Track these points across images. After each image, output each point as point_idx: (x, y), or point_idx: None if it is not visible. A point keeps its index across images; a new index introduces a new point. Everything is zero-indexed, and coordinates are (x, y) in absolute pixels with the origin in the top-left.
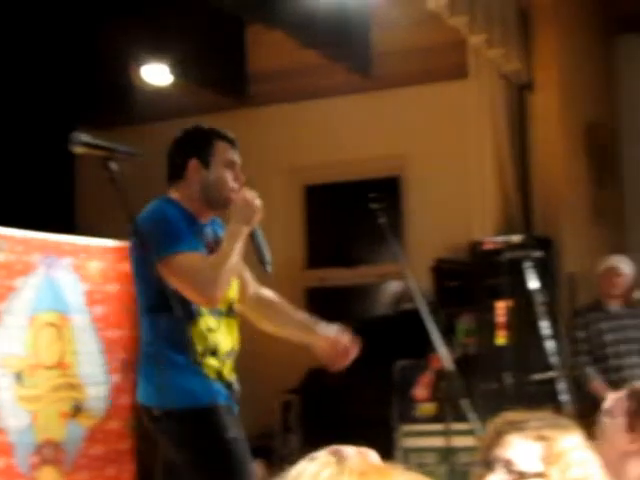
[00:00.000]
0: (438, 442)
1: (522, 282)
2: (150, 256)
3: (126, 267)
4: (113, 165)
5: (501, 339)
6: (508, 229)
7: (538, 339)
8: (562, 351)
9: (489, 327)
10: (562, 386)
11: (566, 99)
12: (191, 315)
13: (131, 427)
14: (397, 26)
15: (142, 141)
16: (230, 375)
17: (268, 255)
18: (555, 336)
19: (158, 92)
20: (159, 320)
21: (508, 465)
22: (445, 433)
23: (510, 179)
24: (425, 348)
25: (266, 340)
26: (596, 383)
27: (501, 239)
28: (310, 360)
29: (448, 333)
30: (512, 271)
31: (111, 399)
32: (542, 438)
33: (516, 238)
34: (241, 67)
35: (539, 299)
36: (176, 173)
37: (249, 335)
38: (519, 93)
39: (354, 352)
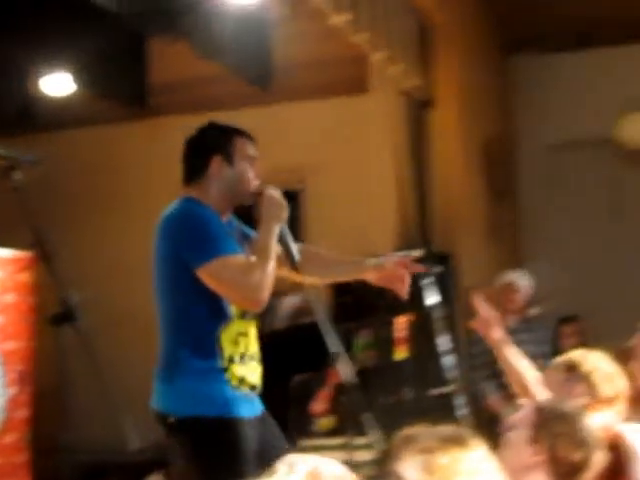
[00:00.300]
0: (338, 456)
1: (421, 297)
2: (183, 261)
3: (25, 277)
4: (16, 174)
5: (400, 354)
6: (407, 244)
7: (437, 354)
8: (460, 366)
9: (388, 342)
10: (459, 400)
11: (464, 116)
12: (225, 319)
13: (27, 440)
14: (299, 40)
15: (45, 149)
16: (254, 376)
17: (297, 253)
18: (453, 351)
19: (61, 101)
20: (185, 325)
21: (398, 479)
22: (345, 447)
23: (409, 194)
24: (323, 362)
25: None
26: (492, 398)
27: (399, 254)
28: None
29: (346, 348)
30: (411, 286)
31: (8, 412)
32: (427, 451)
33: (415, 253)
34: (142, 78)
35: (438, 314)
36: (196, 172)
37: (151, 345)
38: (419, 109)
39: (414, 270)
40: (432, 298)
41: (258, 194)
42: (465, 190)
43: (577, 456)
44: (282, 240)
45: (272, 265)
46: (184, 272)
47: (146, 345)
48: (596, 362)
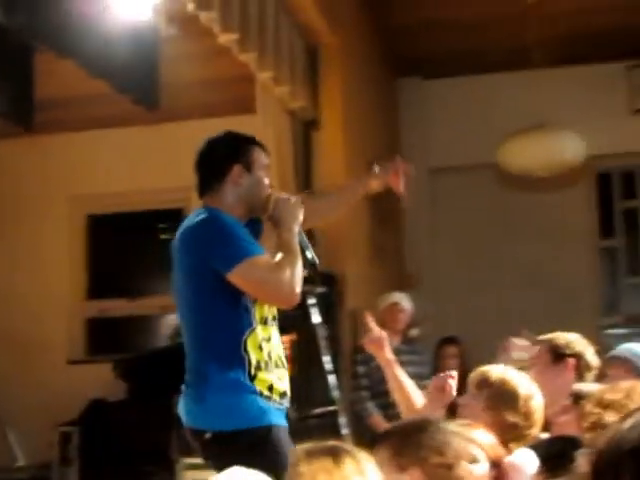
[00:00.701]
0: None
1: (306, 317)
2: (210, 270)
3: None
4: None
5: None
6: None
7: (320, 373)
8: (343, 386)
9: None
10: (342, 420)
11: (350, 137)
12: (249, 326)
13: None
14: (187, 59)
15: None
16: (282, 383)
17: (314, 256)
18: (336, 371)
19: None
20: (212, 338)
21: None
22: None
23: None
24: None
25: (48, 371)
26: (375, 418)
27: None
28: (91, 391)
29: None
30: (296, 306)
31: None
32: (323, 469)
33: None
34: (28, 94)
35: (322, 334)
36: (214, 181)
37: (29, 365)
38: (305, 130)
39: (404, 169)
40: (316, 318)
41: (272, 199)
42: (350, 211)
43: (446, 462)
44: (301, 244)
45: (300, 262)
46: (209, 280)
47: (24, 366)
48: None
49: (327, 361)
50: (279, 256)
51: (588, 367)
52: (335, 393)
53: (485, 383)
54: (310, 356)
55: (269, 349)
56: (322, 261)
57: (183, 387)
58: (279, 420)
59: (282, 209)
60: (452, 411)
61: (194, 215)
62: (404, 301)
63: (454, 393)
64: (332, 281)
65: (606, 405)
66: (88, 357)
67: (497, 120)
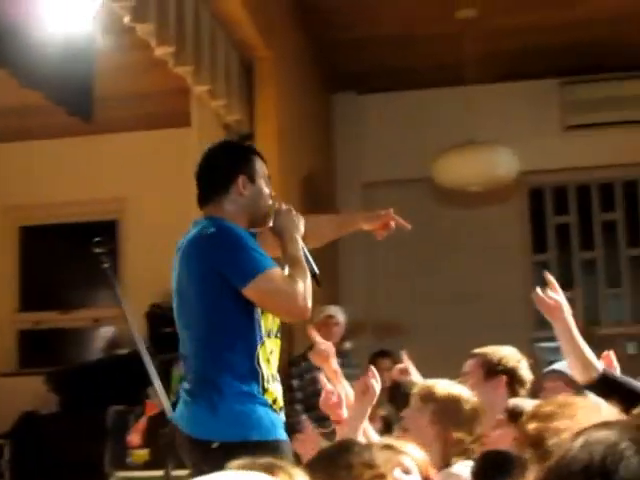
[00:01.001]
0: None
1: None
2: (223, 280)
3: None
4: None
5: None
6: None
7: None
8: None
9: None
10: None
11: (284, 151)
12: (260, 339)
13: None
14: (123, 71)
15: None
16: (281, 401)
17: (316, 267)
18: None
19: None
20: (224, 348)
21: None
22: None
23: None
24: (139, 394)
25: None
26: (308, 431)
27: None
28: (23, 404)
29: (163, 379)
30: None
31: None
32: None
33: None
34: None
35: None
36: (216, 192)
37: None
38: None
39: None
40: None
41: (273, 210)
42: None
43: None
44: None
45: (308, 274)
46: (223, 292)
47: None
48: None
49: None
50: (288, 269)
51: (521, 382)
52: None
53: (430, 397)
54: None
55: (274, 362)
56: None
57: (185, 396)
58: (284, 434)
59: (283, 219)
60: (387, 425)
61: (200, 224)
62: (339, 314)
63: (377, 393)
64: None
65: (542, 419)
66: (20, 370)
67: (431, 135)
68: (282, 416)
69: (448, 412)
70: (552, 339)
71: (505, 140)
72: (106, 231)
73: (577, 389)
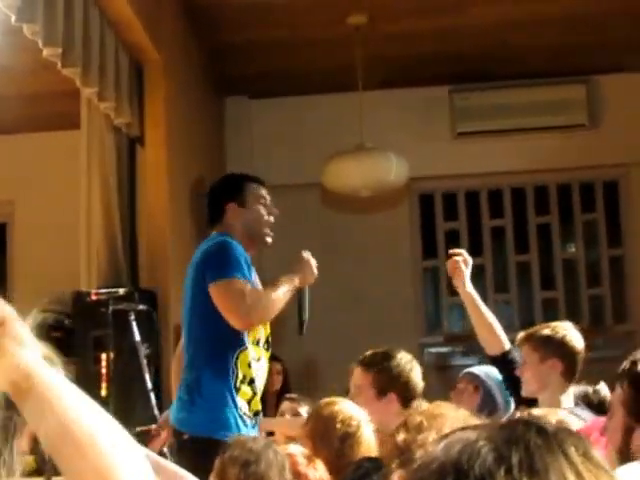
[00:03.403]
0: None
1: (126, 334)
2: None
3: None
4: None
5: (103, 390)
6: (115, 281)
7: (142, 392)
8: (166, 403)
9: (91, 379)
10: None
11: (173, 155)
12: (241, 344)
13: None
14: (11, 72)
15: None
16: (257, 405)
17: (306, 317)
18: (158, 389)
19: None
20: (207, 348)
21: None
22: None
23: (117, 231)
24: None
25: None
26: None
27: (105, 291)
28: None
29: None
30: (116, 323)
31: None
32: None
33: (121, 290)
34: None
35: (142, 352)
36: (216, 217)
37: None
38: (130, 146)
39: None
40: (136, 335)
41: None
42: (173, 230)
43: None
44: (299, 300)
45: (274, 299)
46: (207, 296)
47: None
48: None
49: (147, 379)
50: (259, 288)
51: (414, 394)
52: (155, 411)
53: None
54: (130, 374)
55: (257, 369)
56: (145, 279)
57: (179, 390)
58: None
59: (302, 265)
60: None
61: (209, 239)
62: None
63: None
64: (154, 297)
65: (411, 430)
66: None
67: (322, 140)
68: (255, 418)
69: (319, 432)
70: (441, 344)
71: (395, 146)
72: None
73: (484, 396)
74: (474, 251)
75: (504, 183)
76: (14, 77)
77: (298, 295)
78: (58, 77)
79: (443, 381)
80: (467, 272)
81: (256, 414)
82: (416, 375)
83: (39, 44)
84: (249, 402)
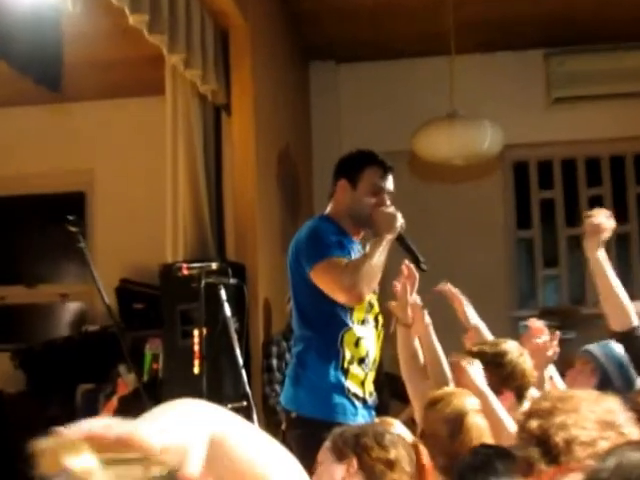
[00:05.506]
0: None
1: (217, 309)
2: (304, 272)
3: None
4: None
5: (193, 367)
6: (201, 254)
7: (232, 368)
8: (255, 380)
9: (179, 353)
10: (255, 415)
11: (261, 123)
12: (344, 325)
13: None
14: (93, 38)
15: None
16: (370, 386)
17: (419, 254)
18: (248, 365)
19: None
20: (310, 331)
21: None
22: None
23: (204, 202)
24: (110, 372)
25: None
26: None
27: (198, 265)
28: None
29: (135, 358)
30: (206, 297)
31: None
32: None
33: (214, 265)
34: None
35: (232, 327)
36: (332, 191)
37: None
38: (216, 115)
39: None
40: (227, 310)
41: (370, 216)
42: (260, 200)
43: (387, 456)
44: (403, 246)
45: (371, 265)
46: (306, 282)
47: None
48: None
49: (239, 355)
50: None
51: (529, 385)
52: (247, 388)
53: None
54: (221, 350)
55: (367, 348)
56: (232, 251)
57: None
58: (359, 419)
59: (377, 219)
60: None
61: (303, 227)
62: None
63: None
64: (242, 271)
65: (544, 416)
66: None
67: (412, 107)
68: (370, 400)
69: None
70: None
71: (488, 113)
72: (74, 203)
73: (601, 379)
74: (570, 221)
75: (602, 151)
76: (96, 44)
77: (400, 244)
78: (140, 43)
79: None
80: (604, 237)
81: (371, 394)
82: (529, 365)
83: (126, 11)
84: (362, 383)
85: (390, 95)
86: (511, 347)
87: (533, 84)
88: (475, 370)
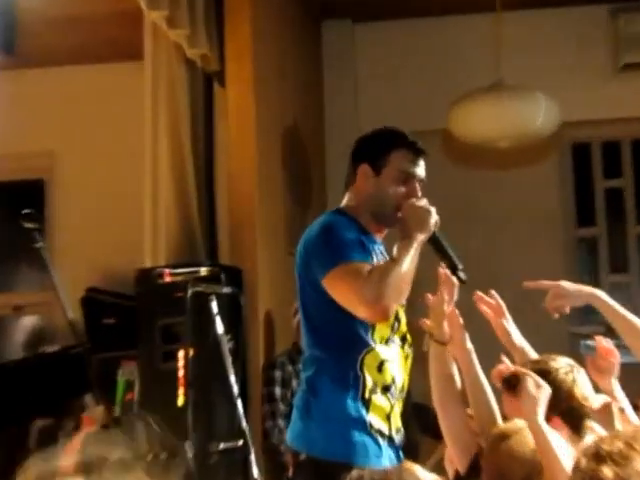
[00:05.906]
0: None
1: (205, 324)
2: (316, 279)
3: None
4: None
5: (177, 397)
6: (187, 256)
7: (226, 398)
8: (254, 413)
9: (160, 380)
10: (253, 457)
11: (262, 95)
12: (364, 345)
13: None
14: None
15: None
16: (397, 420)
17: (458, 260)
18: (245, 394)
19: None
20: (323, 352)
21: None
22: None
23: (192, 192)
24: (72, 404)
25: None
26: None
27: (183, 270)
28: None
29: (104, 386)
30: (193, 310)
31: None
32: None
33: (203, 270)
34: None
35: (226, 346)
36: (348, 177)
37: None
38: (206, 86)
39: None
40: (219, 326)
41: (399, 209)
42: (262, 190)
43: None
44: (437, 249)
45: (400, 273)
46: (318, 292)
47: None
48: None
49: (233, 382)
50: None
51: (583, 411)
52: (243, 423)
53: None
54: (212, 376)
55: (393, 373)
56: (226, 253)
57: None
58: (384, 462)
59: (406, 215)
60: None
61: (314, 223)
62: None
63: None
64: (239, 278)
65: (617, 462)
66: None
67: (447, 76)
68: (396, 437)
69: None
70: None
71: (542, 83)
72: (30, 194)
73: None
74: None
75: None
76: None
77: (433, 246)
78: None
79: None
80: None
81: (398, 431)
82: (581, 387)
83: None
84: (388, 417)
85: (419, 61)
86: (560, 365)
87: (596, 47)
88: (543, 395)
